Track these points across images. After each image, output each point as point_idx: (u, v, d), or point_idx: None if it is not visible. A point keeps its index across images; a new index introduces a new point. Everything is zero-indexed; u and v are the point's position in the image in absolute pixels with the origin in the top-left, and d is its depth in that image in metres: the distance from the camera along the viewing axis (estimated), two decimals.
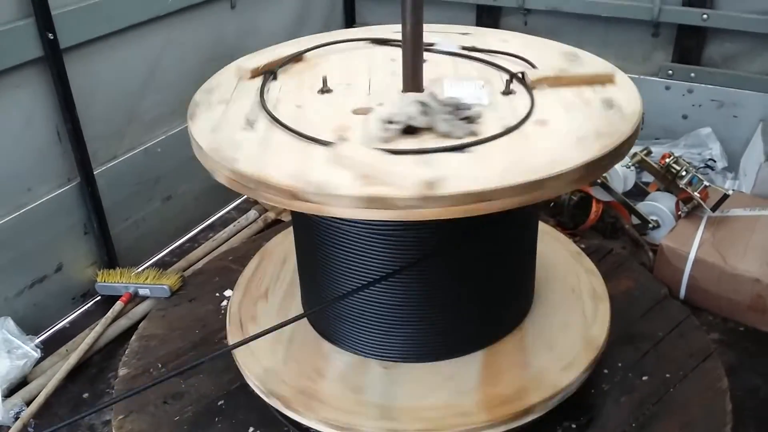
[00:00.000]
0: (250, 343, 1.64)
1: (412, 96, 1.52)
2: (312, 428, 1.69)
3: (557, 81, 1.63)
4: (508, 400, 1.63)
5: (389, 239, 1.60)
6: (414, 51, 1.61)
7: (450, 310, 1.72)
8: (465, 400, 1.64)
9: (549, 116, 1.51)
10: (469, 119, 1.47)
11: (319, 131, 1.46)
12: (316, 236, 1.72)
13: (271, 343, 1.78)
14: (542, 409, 1.64)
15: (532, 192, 1.31)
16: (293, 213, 1.85)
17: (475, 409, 1.61)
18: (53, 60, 2.15)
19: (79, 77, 2.26)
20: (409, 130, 1.45)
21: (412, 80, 1.64)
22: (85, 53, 2.28)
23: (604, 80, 1.66)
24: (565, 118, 1.50)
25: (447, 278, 1.68)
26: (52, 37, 2.12)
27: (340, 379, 1.72)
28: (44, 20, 2.09)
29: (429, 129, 1.46)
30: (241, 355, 1.79)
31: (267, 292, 2.01)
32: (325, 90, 1.66)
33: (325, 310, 1.78)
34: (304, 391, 1.68)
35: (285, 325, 1.52)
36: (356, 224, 1.60)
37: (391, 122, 1.44)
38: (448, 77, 1.70)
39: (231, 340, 1.88)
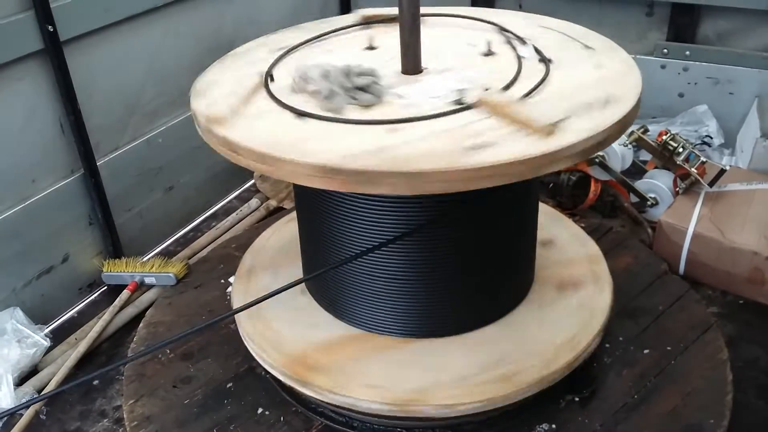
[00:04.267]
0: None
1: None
2: (321, 404, 1.73)
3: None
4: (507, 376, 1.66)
5: (384, 211, 1.63)
6: (411, 33, 1.64)
7: (450, 286, 1.75)
8: (475, 375, 1.67)
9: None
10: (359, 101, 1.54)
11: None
12: (315, 209, 1.76)
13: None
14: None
15: None
16: (296, 187, 1.89)
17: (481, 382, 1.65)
18: (54, 52, 2.16)
19: (80, 69, 2.28)
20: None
21: (411, 62, 1.67)
22: (85, 45, 2.30)
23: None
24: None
25: (443, 252, 1.71)
26: (51, 30, 2.13)
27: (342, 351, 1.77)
28: (44, 13, 2.10)
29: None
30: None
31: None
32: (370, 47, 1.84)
33: (328, 286, 1.81)
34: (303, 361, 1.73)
35: (285, 290, 1.56)
36: (352, 196, 1.64)
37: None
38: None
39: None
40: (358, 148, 1.37)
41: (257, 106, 1.57)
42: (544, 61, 1.68)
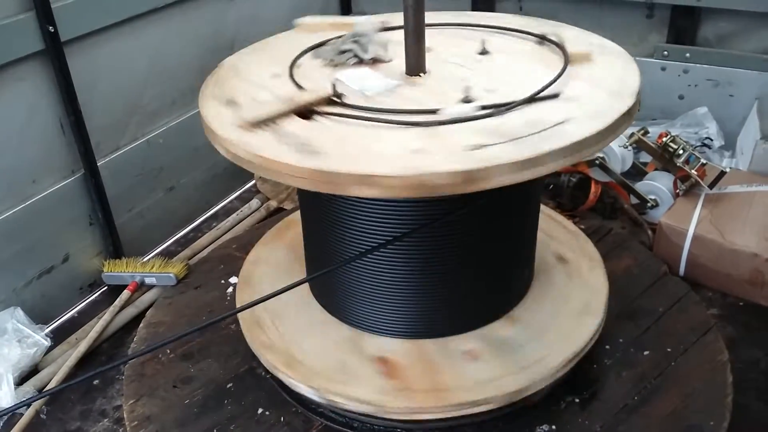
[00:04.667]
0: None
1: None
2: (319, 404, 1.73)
3: None
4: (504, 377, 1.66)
5: (386, 211, 1.64)
6: (416, 36, 1.65)
7: (451, 286, 1.76)
8: (472, 376, 1.67)
9: None
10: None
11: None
12: (318, 210, 1.76)
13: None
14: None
15: None
16: (299, 191, 1.88)
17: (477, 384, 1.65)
18: (54, 53, 2.17)
19: (81, 69, 2.28)
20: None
21: (415, 65, 1.68)
22: (86, 45, 2.30)
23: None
24: None
25: (443, 253, 1.71)
26: (52, 30, 2.13)
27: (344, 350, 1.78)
28: (45, 13, 2.10)
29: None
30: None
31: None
32: None
33: (332, 290, 1.81)
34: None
35: (287, 290, 1.54)
36: (353, 197, 1.63)
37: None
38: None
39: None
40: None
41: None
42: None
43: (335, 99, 1.55)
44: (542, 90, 1.54)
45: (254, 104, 1.59)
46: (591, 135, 1.38)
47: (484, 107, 1.47)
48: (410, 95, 1.60)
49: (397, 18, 1.95)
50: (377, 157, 1.35)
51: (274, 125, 1.47)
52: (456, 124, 1.43)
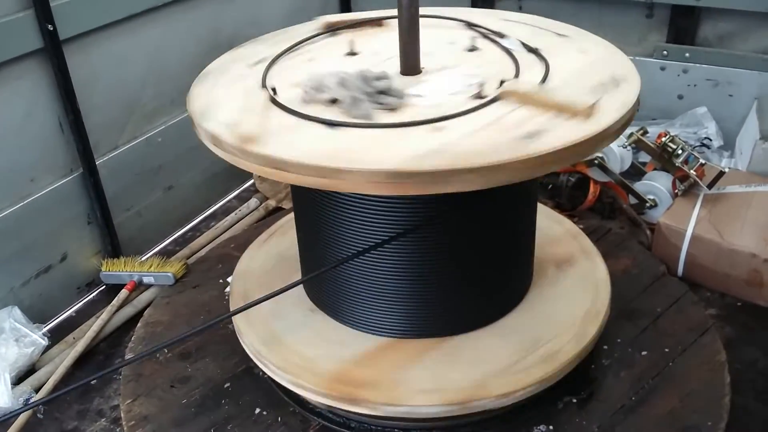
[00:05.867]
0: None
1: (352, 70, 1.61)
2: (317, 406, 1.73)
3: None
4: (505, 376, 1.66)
5: (382, 210, 1.63)
6: (410, 35, 1.64)
7: (447, 286, 1.75)
8: (519, 361, 1.69)
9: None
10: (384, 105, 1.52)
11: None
12: (312, 210, 1.75)
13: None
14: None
15: None
16: (294, 189, 1.88)
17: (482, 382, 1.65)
18: (53, 51, 2.17)
19: (80, 68, 2.28)
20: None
21: (409, 63, 1.67)
22: (85, 44, 2.30)
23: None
24: None
25: (440, 253, 1.70)
26: (51, 29, 2.13)
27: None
28: (44, 11, 2.10)
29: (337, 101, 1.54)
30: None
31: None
32: (351, 53, 1.80)
33: (345, 298, 1.81)
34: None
35: (282, 292, 1.54)
36: (348, 197, 1.63)
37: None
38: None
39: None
40: (418, 149, 1.35)
41: (278, 121, 1.49)
42: (533, 51, 1.71)
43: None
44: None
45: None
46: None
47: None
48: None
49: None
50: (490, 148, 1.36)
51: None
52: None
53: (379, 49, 1.80)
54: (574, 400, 1.77)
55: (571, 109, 1.43)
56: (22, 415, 1.93)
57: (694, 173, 2.42)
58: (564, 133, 1.37)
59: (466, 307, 1.78)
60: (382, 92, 1.53)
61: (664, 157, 2.51)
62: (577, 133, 1.37)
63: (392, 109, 1.50)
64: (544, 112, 1.44)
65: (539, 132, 1.38)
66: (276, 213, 2.79)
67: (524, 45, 1.74)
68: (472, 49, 1.78)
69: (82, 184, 2.38)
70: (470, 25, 1.90)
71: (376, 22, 1.97)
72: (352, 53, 1.80)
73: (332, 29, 1.95)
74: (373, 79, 1.56)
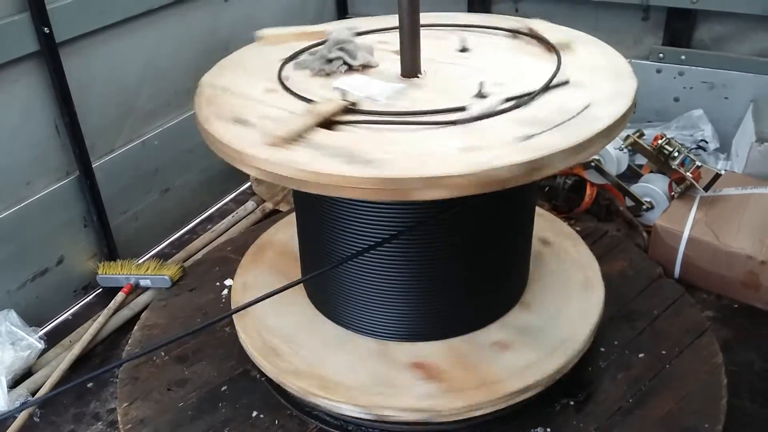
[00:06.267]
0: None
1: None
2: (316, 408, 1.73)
3: None
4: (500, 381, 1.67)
5: (381, 211, 1.63)
6: (411, 38, 1.65)
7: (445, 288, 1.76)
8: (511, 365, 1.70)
9: None
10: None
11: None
12: (312, 212, 1.76)
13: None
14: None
15: None
16: (294, 192, 1.88)
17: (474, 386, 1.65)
18: (49, 54, 2.16)
19: (76, 71, 2.27)
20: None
21: (410, 66, 1.68)
22: (81, 47, 2.30)
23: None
24: None
25: (438, 254, 1.71)
26: (47, 32, 2.13)
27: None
28: (39, 14, 2.10)
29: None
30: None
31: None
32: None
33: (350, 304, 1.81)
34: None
35: (281, 291, 1.54)
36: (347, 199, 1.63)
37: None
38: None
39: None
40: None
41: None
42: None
43: (351, 107, 1.51)
44: (553, 78, 1.58)
45: (272, 121, 1.50)
46: (620, 115, 1.45)
47: (508, 99, 1.49)
48: (421, 96, 1.60)
49: (366, 23, 2.00)
50: (432, 158, 1.33)
51: (303, 140, 1.41)
52: (490, 119, 1.44)
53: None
54: (571, 403, 1.77)
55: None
56: (18, 418, 1.93)
57: (691, 175, 2.42)
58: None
59: (464, 310, 1.79)
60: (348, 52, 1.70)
61: (660, 159, 2.51)
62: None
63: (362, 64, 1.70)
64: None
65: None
66: (273, 216, 2.79)
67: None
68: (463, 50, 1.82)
69: (79, 187, 2.38)
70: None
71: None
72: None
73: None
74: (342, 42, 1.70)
